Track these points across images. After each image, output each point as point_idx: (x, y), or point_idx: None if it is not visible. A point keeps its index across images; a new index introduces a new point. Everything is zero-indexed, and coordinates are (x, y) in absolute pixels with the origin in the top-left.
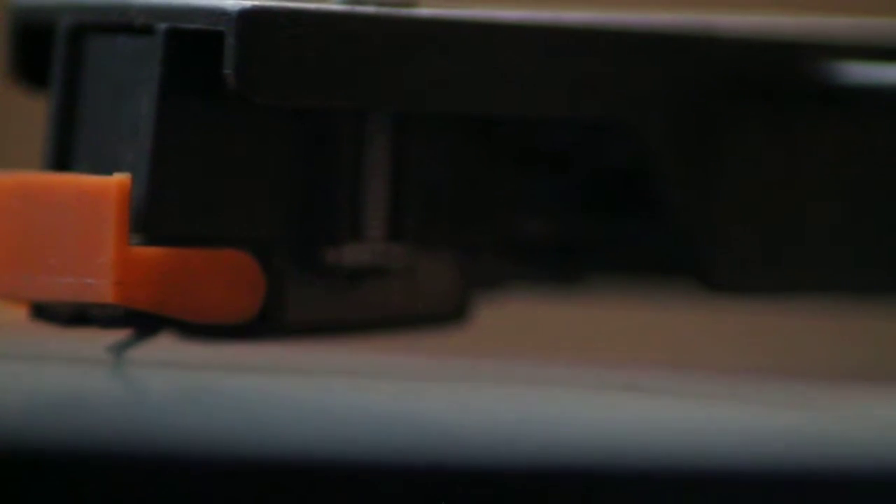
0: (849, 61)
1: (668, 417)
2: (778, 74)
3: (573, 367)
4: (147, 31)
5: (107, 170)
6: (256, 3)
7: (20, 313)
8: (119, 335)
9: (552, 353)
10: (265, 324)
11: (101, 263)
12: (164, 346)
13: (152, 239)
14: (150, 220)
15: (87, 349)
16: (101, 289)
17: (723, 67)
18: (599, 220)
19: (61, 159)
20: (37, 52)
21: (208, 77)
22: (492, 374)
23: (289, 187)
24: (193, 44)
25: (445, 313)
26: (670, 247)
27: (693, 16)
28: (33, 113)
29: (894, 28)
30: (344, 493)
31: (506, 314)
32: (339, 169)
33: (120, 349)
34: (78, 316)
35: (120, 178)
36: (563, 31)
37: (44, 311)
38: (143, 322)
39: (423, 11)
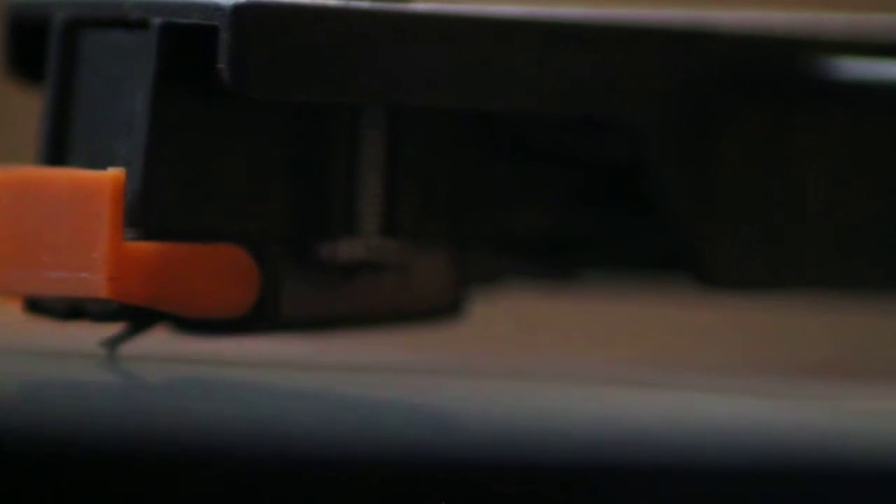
0: (847, 57)
1: (665, 412)
2: (775, 71)
3: (568, 363)
4: (141, 25)
5: (101, 164)
6: None
7: (14, 308)
8: (113, 329)
9: (547, 348)
10: (259, 318)
11: (95, 258)
12: (159, 340)
13: (146, 233)
14: (145, 214)
15: (82, 343)
16: (95, 283)
17: (720, 63)
18: (596, 215)
19: (56, 154)
20: (32, 47)
21: (203, 72)
22: (487, 369)
23: (283, 182)
24: (188, 38)
25: (440, 308)
26: (667, 243)
27: (690, 12)
28: (28, 108)
29: (891, 24)
30: (338, 487)
31: (501, 310)
32: (334, 163)
33: (114, 343)
34: (72, 310)
35: (114, 173)
36: (559, 26)
37: (38, 306)
38: (137, 316)
39: (418, 6)
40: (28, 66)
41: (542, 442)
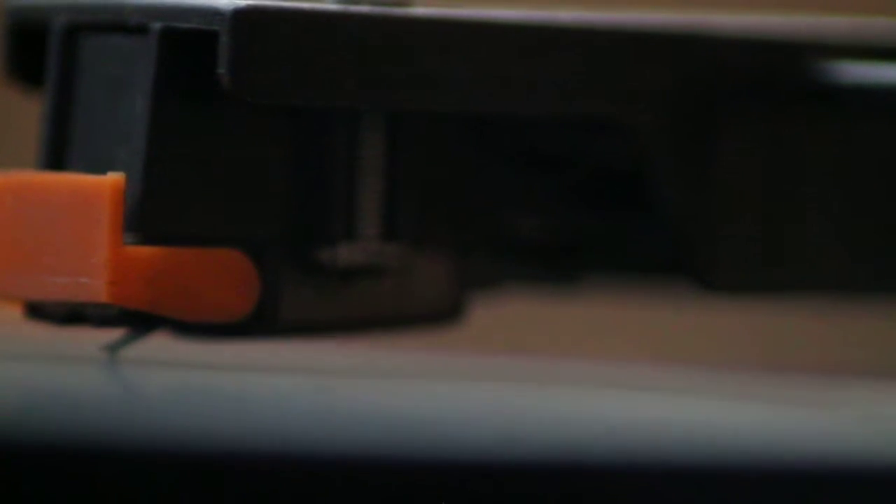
0: (846, 60)
1: (664, 415)
2: (775, 74)
3: (569, 367)
4: (141, 30)
5: (101, 169)
6: (251, 2)
7: (15, 312)
8: (113, 334)
9: (548, 352)
10: (259, 323)
11: (95, 263)
12: (159, 345)
13: (146, 238)
14: (144, 219)
15: (82, 348)
16: (95, 288)
17: (720, 66)
18: (596, 219)
19: (56, 158)
20: (32, 52)
21: (202, 76)
22: (487, 373)
23: (283, 186)
24: (188, 43)
25: (440, 313)
26: (667, 246)
27: (690, 15)
28: (28, 112)
29: (891, 27)
30: (337, 492)
31: (501, 314)
32: (334, 168)
33: (114, 348)
34: (72, 315)
35: (114, 178)
36: (559, 30)
37: (38, 311)
38: (137, 321)
39: (418, 11)
40: (28, 70)
41: (542, 446)
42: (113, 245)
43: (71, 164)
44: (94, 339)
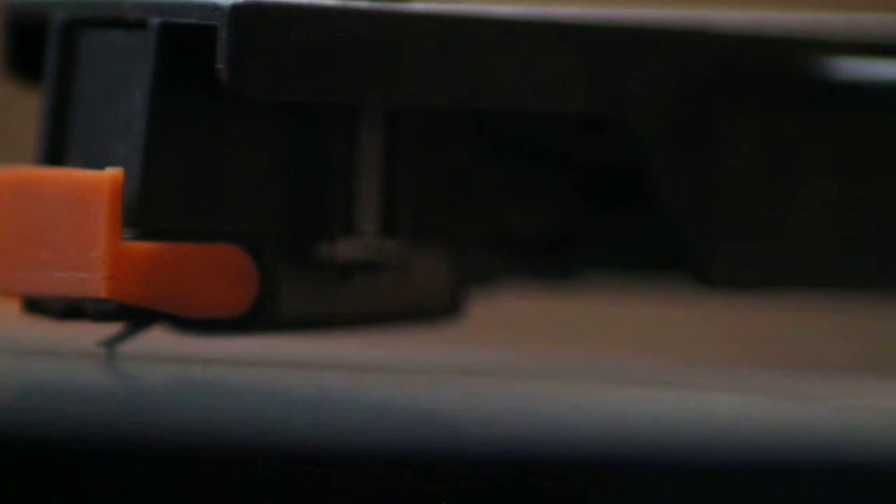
0: (846, 57)
1: (661, 410)
2: (774, 70)
3: (566, 362)
4: (140, 25)
5: (100, 164)
6: None
7: (13, 307)
8: (112, 329)
9: (545, 347)
10: (257, 318)
11: (94, 258)
12: (157, 340)
13: (145, 233)
14: (143, 214)
15: (80, 343)
16: (94, 283)
17: (719, 63)
18: (594, 215)
19: (54, 154)
20: (31, 47)
21: (201, 72)
22: (485, 368)
23: (282, 182)
24: (186, 38)
25: (438, 308)
26: (665, 242)
27: (689, 12)
28: (27, 108)
29: (889, 24)
30: (337, 486)
31: (499, 309)
32: (333, 163)
33: (112, 343)
34: (71, 310)
35: (112, 173)
36: (558, 27)
37: (37, 306)
38: (135, 316)
39: (416, 6)
40: (27, 66)
41: (539, 441)
42: (111, 240)
43: (70, 159)
44: (92, 333)
